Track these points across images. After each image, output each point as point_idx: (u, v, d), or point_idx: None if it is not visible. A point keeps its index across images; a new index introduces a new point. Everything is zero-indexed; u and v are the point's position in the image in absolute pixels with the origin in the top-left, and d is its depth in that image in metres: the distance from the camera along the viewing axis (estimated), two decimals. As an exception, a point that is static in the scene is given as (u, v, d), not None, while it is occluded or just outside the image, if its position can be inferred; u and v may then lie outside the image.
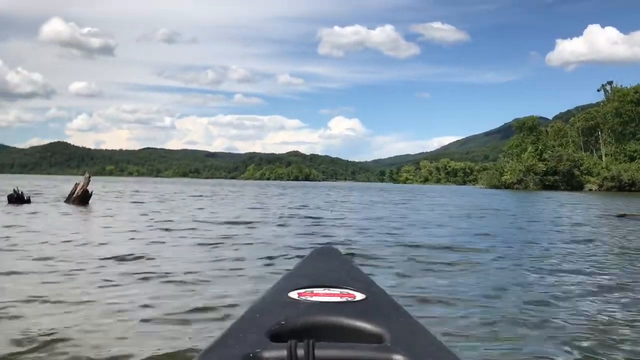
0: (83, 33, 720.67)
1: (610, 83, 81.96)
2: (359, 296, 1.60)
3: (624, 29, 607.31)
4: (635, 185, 67.27)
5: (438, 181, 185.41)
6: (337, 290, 1.64)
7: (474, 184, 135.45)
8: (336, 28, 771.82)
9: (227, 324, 1.34)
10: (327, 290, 1.64)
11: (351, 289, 1.65)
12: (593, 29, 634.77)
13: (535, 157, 74.27)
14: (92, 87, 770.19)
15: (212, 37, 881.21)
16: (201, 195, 28.54)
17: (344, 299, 1.57)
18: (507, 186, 74.00)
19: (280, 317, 1.32)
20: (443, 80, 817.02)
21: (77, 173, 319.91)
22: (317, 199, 26.53)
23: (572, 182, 71.78)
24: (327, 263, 2.02)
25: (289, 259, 6.46)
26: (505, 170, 77.40)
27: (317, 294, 1.60)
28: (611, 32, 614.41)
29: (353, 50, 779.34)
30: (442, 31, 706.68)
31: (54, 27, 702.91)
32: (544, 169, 72.74)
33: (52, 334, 3.31)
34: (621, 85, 79.41)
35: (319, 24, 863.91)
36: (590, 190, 68.51)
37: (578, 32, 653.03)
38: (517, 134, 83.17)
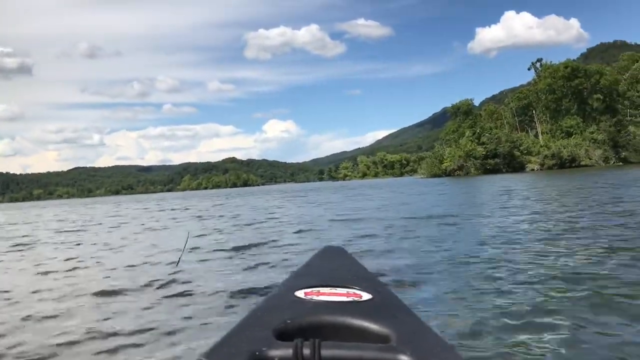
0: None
1: (539, 60, 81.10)
2: (366, 296, 1.58)
3: (538, 13, 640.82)
4: (576, 161, 66.09)
5: (376, 175, 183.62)
6: (343, 290, 1.61)
7: (411, 175, 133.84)
8: (261, 31, 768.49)
9: (234, 322, 1.42)
10: (333, 290, 1.61)
11: (358, 289, 1.62)
12: (509, 15, 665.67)
13: (473, 142, 71.89)
14: (13, 110, 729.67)
15: (135, 49, 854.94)
16: (80, 228, 22.30)
17: (350, 299, 1.55)
18: (448, 173, 71.31)
19: (287, 316, 1.44)
20: (371, 76, 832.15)
21: (2, 200, 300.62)
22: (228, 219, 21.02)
23: (513, 164, 69.89)
24: (334, 262, 1.97)
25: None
26: (445, 157, 74.62)
27: (323, 294, 1.58)
28: (526, 17, 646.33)
29: (280, 52, 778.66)
30: (366, 27, 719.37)
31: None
32: (484, 153, 70.45)
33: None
34: (550, 62, 78.58)
35: (244, 27, 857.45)
36: (533, 170, 66.73)
37: (495, 20, 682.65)
38: (452, 120, 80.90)
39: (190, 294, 4.83)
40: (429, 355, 1.17)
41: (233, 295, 4.63)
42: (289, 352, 1.15)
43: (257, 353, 1.16)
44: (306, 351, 1.14)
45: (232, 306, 4.21)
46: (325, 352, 1.15)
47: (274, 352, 1.16)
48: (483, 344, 3.05)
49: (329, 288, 1.59)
